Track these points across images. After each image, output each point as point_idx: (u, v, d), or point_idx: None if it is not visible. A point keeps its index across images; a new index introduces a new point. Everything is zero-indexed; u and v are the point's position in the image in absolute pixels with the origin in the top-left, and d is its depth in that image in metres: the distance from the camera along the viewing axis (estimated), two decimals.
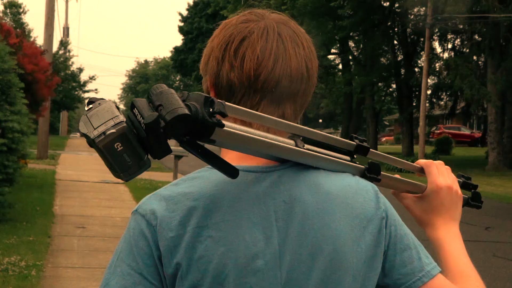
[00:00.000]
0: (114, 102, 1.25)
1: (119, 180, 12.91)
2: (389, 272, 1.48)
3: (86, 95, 55.10)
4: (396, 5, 40.37)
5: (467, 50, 38.15)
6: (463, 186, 1.90)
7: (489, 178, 28.90)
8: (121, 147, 1.19)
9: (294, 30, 1.53)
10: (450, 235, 1.69)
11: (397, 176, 1.73)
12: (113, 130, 1.18)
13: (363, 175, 1.57)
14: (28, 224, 11.48)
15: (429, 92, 39.49)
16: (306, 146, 1.46)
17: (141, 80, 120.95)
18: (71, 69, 50.41)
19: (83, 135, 1.22)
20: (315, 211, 1.41)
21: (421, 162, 1.79)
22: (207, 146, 1.28)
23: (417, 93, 42.75)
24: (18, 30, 20.31)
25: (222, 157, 1.42)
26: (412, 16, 41.92)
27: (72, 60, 50.73)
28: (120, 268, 1.40)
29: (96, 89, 58.06)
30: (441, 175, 1.75)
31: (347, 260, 1.41)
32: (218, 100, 1.23)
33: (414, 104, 43.40)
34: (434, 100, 43.52)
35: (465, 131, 59.03)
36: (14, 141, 11.37)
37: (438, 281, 1.49)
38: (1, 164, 11.01)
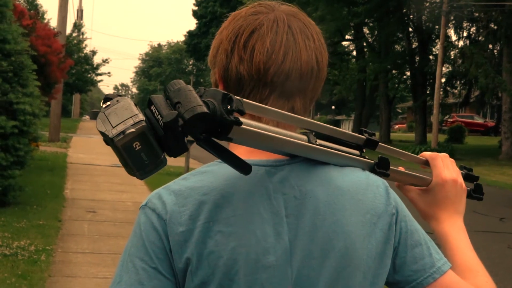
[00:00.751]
0: (132, 99, 1.22)
1: None
2: (400, 268, 1.47)
3: (99, 78, 55.19)
4: None
5: (483, 39, 37.88)
6: (465, 178, 1.88)
7: (502, 168, 28.80)
8: (140, 146, 1.17)
9: (304, 22, 1.51)
10: (455, 228, 1.68)
11: (401, 169, 1.70)
12: (133, 130, 1.16)
13: (373, 169, 1.56)
14: (38, 207, 11.43)
15: (443, 80, 39.20)
16: (319, 141, 1.44)
17: (154, 64, 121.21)
18: (84, 51, 50.40)
19: (101, 133, 1.19)
20: (326, 206, 1.40)
21: (426, 154, 1.78)
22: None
23: (431, 81, 42.53)
24: (31, 11, 20.24)
25: (233, 151, 1.39)
26: (427, 4, 41.63)
27: (85, 42, 50.72)
28: (132, 263, 1.38)
29: (109, 72, 58.22)
30: (446, 168, 1.73)
31: (358, 257, 1.39)
32: (236, 97, 1.21)
33: (428, 92, 43.25)
34: (449, 88, 43.27)
35: (478, 120, 58.97)
36: (26, 124, 11.30)
37: (449, 277, 1.48)
38: (12, 147, 10.94)
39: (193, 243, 1.35)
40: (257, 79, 1.44)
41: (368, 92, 51.70)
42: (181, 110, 1.14)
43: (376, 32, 46.60)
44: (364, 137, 1.57)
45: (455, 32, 41.90)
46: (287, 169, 1.43)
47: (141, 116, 1.18)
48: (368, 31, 49.79)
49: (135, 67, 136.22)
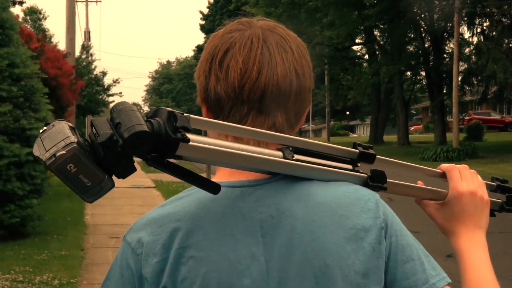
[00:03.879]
0: (68, 123, 1.23)
1: (151, 184, 12.55)
2: (391, 285, 1.42)
3: (110, 98, 55.13)
4: None
5: (495, 34, 37.48)
6: (497, 189, 1.85)
7: None
8: (75, 168, 1.16)
9: (282, 35, 1.50)
10: (472, 244, 1.62)
11: (420, 184, 1.69)
12: (63, 152, 1.15)
13: (366, 184, 1.51)
14: (59, 236, 11.07)
15: (459, 77, 38.80)
16: (296, 156, 1.40)
17: (164, 81, 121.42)
18: (94, 73, 50.33)
19: (37, 157, 1.20)
20: (305, 224, 1.37)
21: (443, 167, 1.71)
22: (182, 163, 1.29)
23: (447, 79, 42.11)
24: (39, 34, 19.96)
25: (216, 173, 1.49)
26: (437, 2, 41.29)
27: (95, 64, 50.59)
28: None
29: (120, 93, 58.00)
30: (464, 180, 1.67)
31: (341, 274, 1.35)
32: (182, 115, 1.22)
33: (444, 91, 42.70)
34: (466, 86, 42.80)
35: (496, 116, 58.81)
36: None
37: None
38: (28, 175, 10.61)
39: (167, 271, 1.35)
40: (234, 97, 1.44)
41: (383, 96, 51.53)
42: (121, 130, 1.15)
43: (387, 34, 46.32)
44: (357, 150, 1.51)
45: (469, 28, 41.46)
46: (264, 188, 1.41)
47: (73, 138, 1.17)
48: (379, 34, 49.46)
49: (146, 85, 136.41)
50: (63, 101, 17.73)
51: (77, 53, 41.69)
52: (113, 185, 1.21)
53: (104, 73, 53.14)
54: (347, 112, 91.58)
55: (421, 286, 1.41)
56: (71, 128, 1.21)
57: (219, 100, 1.45)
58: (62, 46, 29.03)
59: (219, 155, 1.27)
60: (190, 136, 1.21)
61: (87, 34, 54.61)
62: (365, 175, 1.52)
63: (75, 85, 19.02)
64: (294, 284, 1.35)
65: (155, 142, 1.17)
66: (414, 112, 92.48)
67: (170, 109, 1.21)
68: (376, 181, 1.53)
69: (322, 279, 1.34)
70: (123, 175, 1.20)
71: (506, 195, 1.88)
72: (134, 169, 1.22)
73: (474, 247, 1.61)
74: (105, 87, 52.09)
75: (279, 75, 1.44)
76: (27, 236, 10.87)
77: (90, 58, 50.84)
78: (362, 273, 1.37)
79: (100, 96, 51.36)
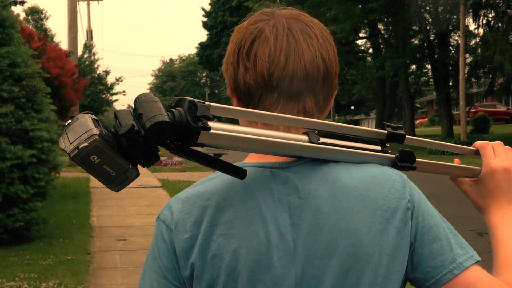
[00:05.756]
0: (92, 116, 1.26)
1: (157, 184, 12.25)
2: (418, 265, 1.43)
3: (114, 97, 54.99)
4: None
5: (500, 25, 37.30)
6: None
7: None
8: (98, 159, 1.20)
9: (305, 22, 1.53)
10: (505, 220, 1.62)
11: (457, 161, 1.71)
12: (85, 144, 1.19)
13: (395, 164, 1.52)
14: (65, 240, 10.78)
15: (466, 70, 38.64)
16: (323, 139, 1.43)
17: (168, 79, 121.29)
18: (97, 72, 50.18)
19: (63, 150, 1.24)
20: (330, 205, 1.39)
21: (477, 144, 1.74)
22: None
23: (453, 72, 41.96)
24: (40, 33, 19.72)
25: (248, 156, 1.52)
26: None
27: (97, 63, 50.50)
28: (149, 276, 1.45)
29: (124, 91, 57.94)
30: (498, 156, 1.68)
31: (366, 254, 1.37)
32: (203, 104, 1.25)
33: (450, 84, 42.50)
34: (473, 79, 42.59)
35: (501, 108, 58.66)
36: (44, 151, 10.66)
37: (471, 273, 1.41)
38: (32, 178, 10.33)
39: (197, 248, 1.39)
40: (264, 85, 1.46)
41: (388, 89, 51.35)
42: (142, 120, 1.19)
43: (391, 28, 46.18)
44: (385, 131, 1.53)
45: (474, 20, 41.25)
46: (293, 170, 1.44)
47: (95, 131, 1.20)
48: (383, 27, 49.28)
49: (149, 84, 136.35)
50: (66, 100, 17.54)
51: (80, 53, 41.57)
52: (138, 174, 1.25)
53: (107, 72, 53.07)
54: (352, 107, 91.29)
55: (448, 266, 1.41)
56: (95, 121, 1.24)
57: (248, 89, 1.48)
58: (64, 46, 28.86)
59: (241, 142, 1.31)
60: (212, 124, 1.25)
61: (89, 33, 54.59)
62: (393, 155, 1.53)
63: (78, 84, 18.84)
64: (320, 263, 1.37)
65: (177, 131, 1.21)
66: (419, 106, 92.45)
67: (191, 98, 1.25)
68: (404, 161, 1.54)
69: (347, 258, 1.37)
70: (147, 163, 1.24)
71: None
72: (158, 158, 1.25)
73: (507, 224, 1.62)
74: (108, 86, 52.03)
75: (306, 60, 1.47)
76: (31, 240, 10.59)
77: (92, 57, 50.80)
78: (387, 253, 1.39)
79: (104, 95, 51.29)
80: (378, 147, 1.53)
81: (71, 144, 1.21)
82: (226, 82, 1.58)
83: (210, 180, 1.48)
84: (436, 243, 1.42)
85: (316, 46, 1.49)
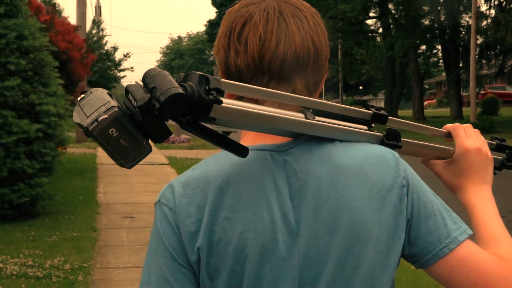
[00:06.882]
0: (105, 90, 1.27)
1: (165, 161, 12.01)
2: (415, 240, 1.46)
3: (121, 74, 54.87)
4: None
5: None
6: (497, 148, 1.93)
7: None
8: (116, 133, 1.20)
9: (296, 6, 1.54)
10: (481, 198, 1.67)
11: (418, 141, 1.72)
12: (105, 116, 1.19)
13: (382, 142, 1.56)
14: (71, 216, 10.61)
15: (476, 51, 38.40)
16: (317, 118, 1.45)
17: (176, 57, 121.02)
18: (105, 48, 50.04)
19: (78, 124, 1.23)
20: (329, 184, 1.42)
21: (448, 126, 1.79)
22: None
23: (463, 53, 41.70)
24: (49, 7, 19.52)
25: (241, 139, 1.52)
26: None
27: (105, 39, 50.36)
28: (156, 261, 1.44)
29: (131, 67, 57.82)
30: (469, 137, 1.74)
31: (367, 231, 1.41)
32: (213, 77, 1.25)
33: (460, 65, 42.26)
34: (483, 60, 42.34)
35: (511, 90, 57.86)
36: (51, 126, 10.51)
37: (466, 247, 1.46)
38: (38, 152, 10.16)
39: (203, 232, 1.40)
40: (254, 68, 1.48)
41: (398, 70, 51.16)
42: (156, 93, 1.17)
43: (402, 8, 45.91)
44: (370, 112, 1.57)
45: (485, 1, 40.88)
46: (290, 153, 1.46)
47: (113, 103, 1.20)
48: (393, 7, 48.98)
49: (157, 61, 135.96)
50: (74, 75, 17.34)
51: (88, 28, 41.42)
52: (150, 150, 1.25)
53: (115, 48, 52.90)
54: (360, 87, 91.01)
55: (444, 241, 1.45)
56: (109, 94, 1.25)
57: (239, 72, 1.49)
58: (72, 21, 28.67)
59: (252, 117, 1.32)
60: (221, 98, 1.24)
61: (98, 9, 54.26)
62: (381, 134, 1.57)
63: (86, 59, 18.62)
64: (322, 242, 1.40)
65: (189, 105, 1.19)
66: (427, 87, 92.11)
67: (201, 72, 1.23)
68: (391, 140, 1.59)
69: (348, 236, 1.40)
70: (160, 139, 1.25)
71: (506, 151, 1.97)
72: (170, 133, 1.25)
73: (483, 201, 1.66)
74: (116, 62, 51.90)
75: (297, 44, 1.48)
76: (37, 216, 10.44)
77: (101, 33, 50.65)
78: (385, 230, 1.42)
79: (111, 72, 51.17)
80: (365, 127, 1.57)
81: (88, 117, 1.20)
82: (217, 64, 1.59)
83: (209, 163, 1.49)
84: (431, 218, 1.46)
85: (306, 30, 1.51)
